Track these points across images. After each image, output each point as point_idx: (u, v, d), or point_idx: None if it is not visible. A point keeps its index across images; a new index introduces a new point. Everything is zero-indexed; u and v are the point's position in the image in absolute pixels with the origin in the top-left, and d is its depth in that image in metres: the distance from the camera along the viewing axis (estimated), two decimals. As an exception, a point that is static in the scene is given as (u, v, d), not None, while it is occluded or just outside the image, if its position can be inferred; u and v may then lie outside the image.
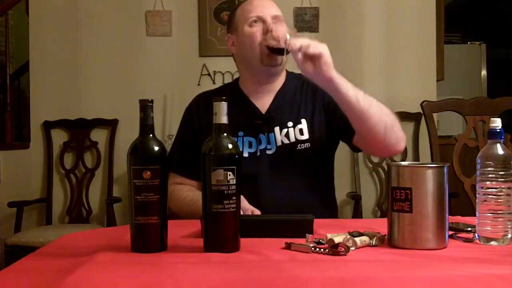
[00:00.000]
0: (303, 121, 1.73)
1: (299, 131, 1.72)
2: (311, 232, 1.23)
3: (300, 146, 1.71)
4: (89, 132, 3.56)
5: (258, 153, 1.71)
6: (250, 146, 1.72)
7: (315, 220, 1.30)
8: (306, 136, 1.72)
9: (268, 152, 1.71)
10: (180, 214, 1.71)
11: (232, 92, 1.77)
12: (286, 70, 1.83)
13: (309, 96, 1.76)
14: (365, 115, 1.51)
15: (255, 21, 1.69)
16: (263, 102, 1.77)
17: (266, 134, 1.72)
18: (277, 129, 1.72)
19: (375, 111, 1.52)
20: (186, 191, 1.72)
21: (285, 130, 1.72)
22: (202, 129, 1.75)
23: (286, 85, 1.80)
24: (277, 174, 1.69)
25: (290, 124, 1.73)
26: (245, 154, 1.70)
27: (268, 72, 1.73)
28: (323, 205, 1.73)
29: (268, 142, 1.72)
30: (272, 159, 1.70)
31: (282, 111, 1.75)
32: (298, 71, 1.87)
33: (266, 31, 1.67)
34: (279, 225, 1.30)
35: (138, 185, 1.13)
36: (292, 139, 1.71)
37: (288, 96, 1.77)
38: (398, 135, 1.58)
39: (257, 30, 1.69)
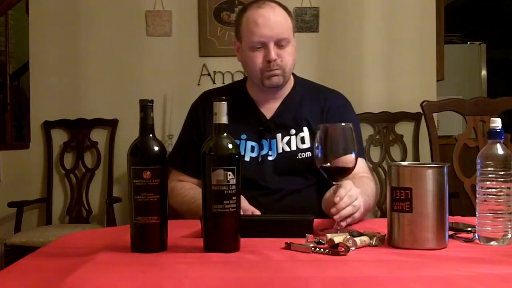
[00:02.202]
0: (305, 129, 1.73)
1: (301, 139, 1.72)
2: (311, 232, 1.23)
3: (300, 155, 1.70)
4: (89, 132, 3.55)
5: (260, 159, 1.71)
6: (252, 150, 1.72)
7: (315, 220, 1.30)
8: (307, 144, 1.71)
9: (269, 158, 1.71)
10: (180, 212, 1.71)
11: (239, 94, 1.77)
12: (295, 75, 1.82)
13: (316, 105, 1.76)
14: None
15: (258, 47, 1.66)
16: (269, 108, 1.76)
17: (268, 140, 1.72)
18: (279, 135, 1.72)
19: (368, 210, 1.55)
20: (187, 188, 1.72)
21: (287, 138, 1.72)
22: (207, 128, 1.74)
23: (293, 92, 1.79)
24: (277, 180, 1.69)
25: (292, 131, 1.73)
26: (247, 158, 1.70)
27: (269, 90, 1.73)
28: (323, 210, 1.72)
29: (270, 148, 1.72)
30: (272, 165, 1.70)
31: (286, 118, 1.74)
32: (305, 75, 1.89)
33: (268, 61, 1.65)
34: (279, 225, 1.29)
35: (138, 185, 1.13)
36: (293, 147, 1.71)
37: (294, 103, 1.77)
38: (374, 206, 1.72)
39: (259, 56, 1.66)
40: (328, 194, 1.42)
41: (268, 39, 1.64)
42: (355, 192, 1.36)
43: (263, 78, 1.68)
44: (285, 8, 1.72)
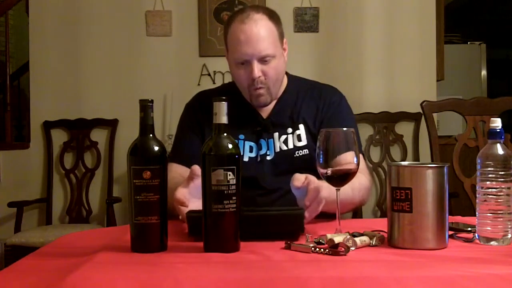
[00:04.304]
0: (301, 126, 1.73)
1: (297, 137, 1.72)
2: (302, 226, 1.21)
3: (298, 153, 1.70)
4: (89, 132, 3.56)
5: (259, 159, 1.71)
6: (250, 150, 1.72)
7: (316, 221, 1.30)
8: (304, 142, 1.71)
9: (268, 157, 1.71)
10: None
11: (235, 95, 1.75)
12: (287, 73, 1.82)
13: (311, 102, 1.76)
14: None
15: (242, 63, 1.65)
16: (265, 107, 1.75)
17: (266, 139, 1.72)
18: (276, 135, 1.72)
19: (350, 203, 1.57)
20: (171, 178, 1.62)
21: (284, 137, 1.72)
22: (205, 127, 1.73)
23: (287, 91, 1.78)
24: (276, 179, 1.68)
25: (289, 130, 1.73)
26: (245, 159, 1.70)
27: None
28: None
29: (268, 148, 1.71)
30: (271, 165, 1.70)
31: (282, 117, 1.74)
32: (305, 75, 1.88)
33: (252, 80, 1.64)
34: (269, 221, 1.25)
35: (138, 185, 1.13)
36: (290, 145, 1.71)
37: (289, 102, 1.76)
38: (363, 200, 1.66)
39: (243, 73, 1.66)
40: (299, 181, 1.35)
41: (250, 57, 1.63)
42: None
43: (251, 97, 1.70)
44: (270, 16, 1.67)
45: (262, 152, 1.71)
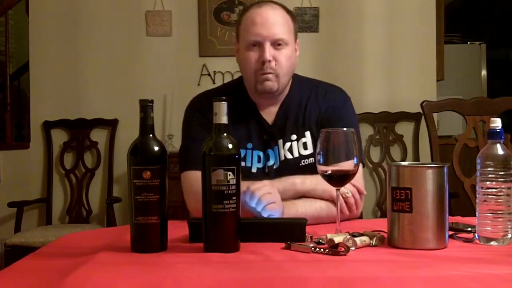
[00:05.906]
0: (307, 133, 1.65)
1: (303, 145, 1.64)
2: (304, 235, 1.21)
3: (303, 162, 1.63)
4: (89, 132, 3.56)
5: (266, 170, 1.64)
6: (259, 160, 1.64)
7: (318, 226, 1.29)
8: (310, 150, 1.64)
9: (274, 167, 1.64)
10: None
11: (240, 96, 1.69)
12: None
13: (315, 104, 1.68)
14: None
15: (253, 45, 1.59)
16: (269, 112, 1.68)
17: (273, 149, 1.65)
18: (280, 142, 1.65)
19: (326, 216, 1.51)
20: None
21: (288, 144, 1.64)
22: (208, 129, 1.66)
23: (291, 93, 1.69)
24: None
25: (293, 137, 1.65)
26: (254, 170, 1.63)
27: (264, 96, 1.65)
28: None
29: (275, 158, 1.65)
30: (276, 175, 1.60)
31: (286, 123, 1.66)
32: (305, 75, 1.84)
33: (263, 62, 1.58)
34: (271, 228, 1.25)
35: (138, 185, 1.13)
36: (296, 154, 1.64)
37: (293, 106, 1.68)
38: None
39: (253, 56, 1.59)
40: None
41: (264, 39, 1.58)
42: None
43: (256, 81, 1.61)
44: (288, 11, 1.66)
45: (270, 163, 1.64)
